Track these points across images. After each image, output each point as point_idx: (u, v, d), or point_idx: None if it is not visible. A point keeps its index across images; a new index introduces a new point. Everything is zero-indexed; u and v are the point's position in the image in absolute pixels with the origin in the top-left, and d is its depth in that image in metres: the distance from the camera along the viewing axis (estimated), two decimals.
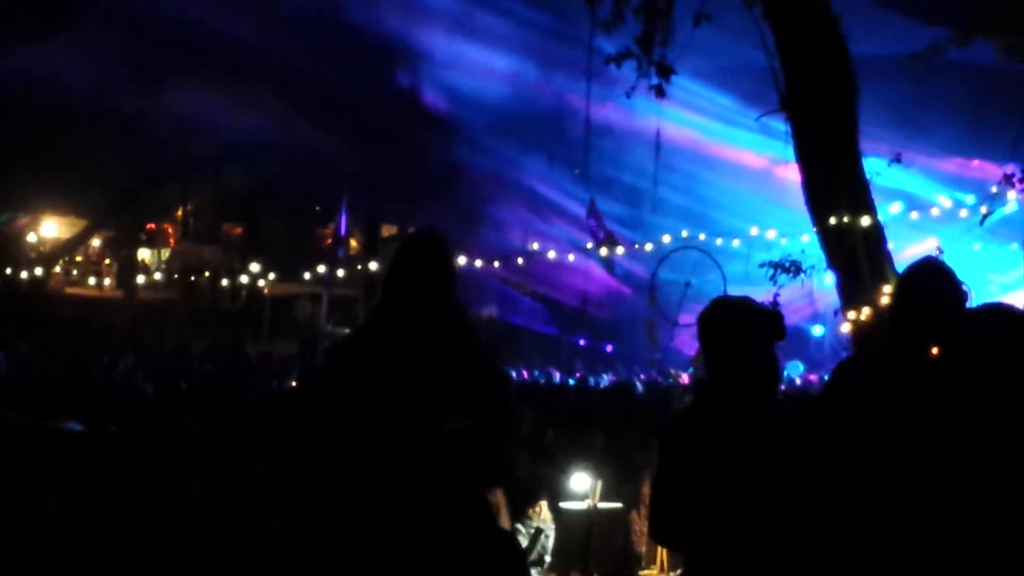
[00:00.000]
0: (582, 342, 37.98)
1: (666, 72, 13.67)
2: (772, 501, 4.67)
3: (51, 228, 43.56)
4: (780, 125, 12.81)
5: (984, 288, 21.76)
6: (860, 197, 12.28)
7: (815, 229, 12.54)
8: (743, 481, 4.71)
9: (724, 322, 5.05)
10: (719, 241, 21.91)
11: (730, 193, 34.24)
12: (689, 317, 16.93)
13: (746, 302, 5.22)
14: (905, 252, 15.37)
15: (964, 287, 5.02)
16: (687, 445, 4.87)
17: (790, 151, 12.60)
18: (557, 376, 28.84)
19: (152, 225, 46.33)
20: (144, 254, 45.76)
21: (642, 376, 25.22)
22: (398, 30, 37.02)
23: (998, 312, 4.74)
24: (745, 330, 4.98)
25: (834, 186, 12.15)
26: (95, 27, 32.69)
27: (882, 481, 4.50)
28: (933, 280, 4.98)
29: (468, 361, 5.10)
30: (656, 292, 17.15)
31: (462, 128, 38.08)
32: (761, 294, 12.45)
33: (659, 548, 11.64)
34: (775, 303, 12.21)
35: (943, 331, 4.66)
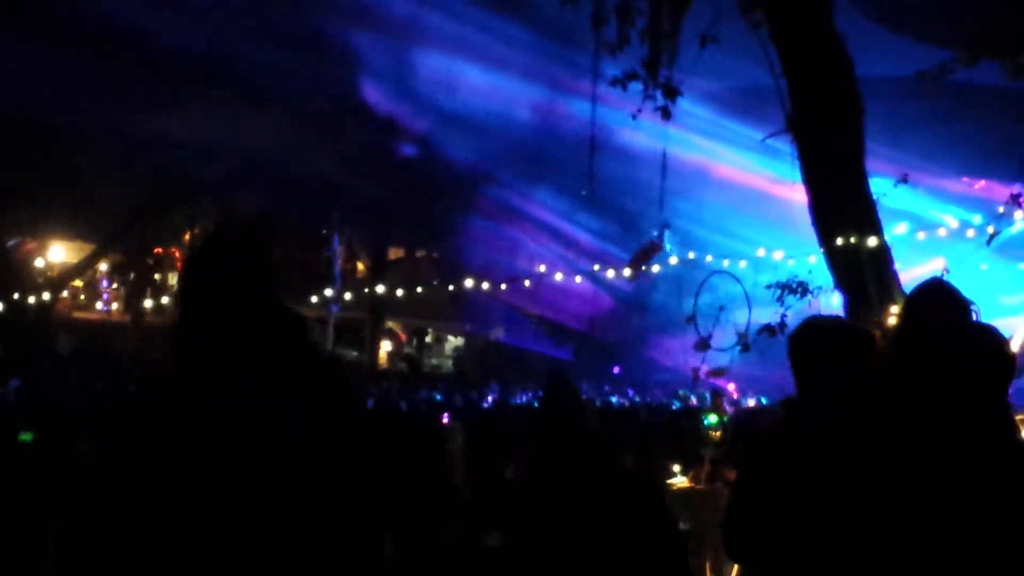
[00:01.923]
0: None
1: (672, 94, 13.70)
2: (852, 524, 4.62)
3: (58, 253, 43.62)
4: (786, 146, 12.82)
5: (992, 308, 21.71)
6: (867, 217, 12.27)
7: (822, 250, 12.53)
8: (825, 502, 4.68)
9: (815, 341, 5.04)
10: (726, 263, 21.83)
11: (736, 214, 34.24)
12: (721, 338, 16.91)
13: (839, 322, 5.21)
14: (912, 272, 15.34)
15: (973, 306, 5.02)
16: (773, 462, 4.87)
17: (796, 172, 12.60)
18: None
19: (160, 249, 46.35)
20: (153, 277, 45.80)
21: (648, 398, 25.23)
22: (402, 54, 37.13)
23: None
24: (836, 349, 4.96)
25: (841, 206, 12.15)
26: (102, 50, 32.74)
27: (895, 505, 4.48)
28: (940, 300, 4.98)
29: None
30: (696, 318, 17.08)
31: (468, 153, 38.13)
32: (768, 315, 12.46)
33: None
34: (783, 323, 12.22)
35: (952, 351, 4.65)
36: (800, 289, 13.01)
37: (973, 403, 4.50)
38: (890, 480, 4.49)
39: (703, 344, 15.71)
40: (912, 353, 4.77)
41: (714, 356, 15.80)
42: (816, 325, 5.25)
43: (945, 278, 6.87)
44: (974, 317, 5.07)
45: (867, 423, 4.67)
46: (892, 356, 5.03)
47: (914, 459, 4.49)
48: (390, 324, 46.16)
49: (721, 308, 16.51)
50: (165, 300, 36.43)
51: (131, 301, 41.26)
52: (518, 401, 27.34)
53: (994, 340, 4.64)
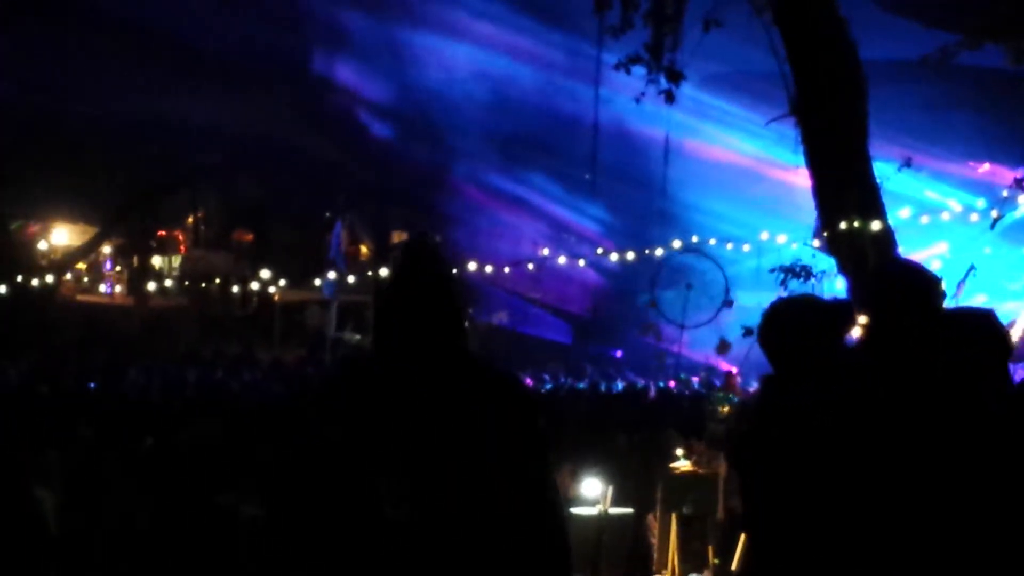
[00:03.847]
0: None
1: (676, 77, 13.69)
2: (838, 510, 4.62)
3: (62, 235, 43.61)
4: (790, 130, 12.82)
5: (996, 292, 21.72)
6: (870, 201, 12.27)
7: (825, 234, 12.53)
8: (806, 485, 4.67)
9: (790, 319, 5.05)
10: (729, 246, 21.83)
11: (737, 199, 34.20)
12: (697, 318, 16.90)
13: (812, 299, 5.20)
14: (916, 256, 15.35)
15: (937, 287, 4.98)
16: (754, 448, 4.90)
17: (800, 156, 12.59)
18: (564, 381, 28.80)
19: (163, 232, 46.35)
20: (156, 260, 45.76)
21: (650, 381, 25.20)
22: (405, 38, 37.15)
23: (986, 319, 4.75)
24: (813, 327, 4.95)
25: (844, 191, 12.15)
26: (105, 34, 32.75)
27: (888, 493, 4.49)
28: (899, 291, 4.95)
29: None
30: (657, 297, 17.12)
31: (471, 137, 38.15)
32: (771, 299, 12.47)
33: (671, 551, 11.65)
34: None
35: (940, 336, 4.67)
36: (804, 273, 13.01)
37: (961, 388, 4.52)
38: (876, 464, 4.50)
39: (727, 303, 15.77)
40: (895, 339, 4.78)
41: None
42: (791, 303, 5.26)
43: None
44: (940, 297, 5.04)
45: (852, 407, 4.66)
46: (873, 341, 5.01)
47: (902, 444, 4.50)
48: None
49: (689, 286, 16.52)
50: (168, 283, 36.47)
51: (134, 284, 41.24)
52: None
53: (982, 325, 4.66)
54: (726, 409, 14.86)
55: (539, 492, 4.42)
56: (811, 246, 13.51)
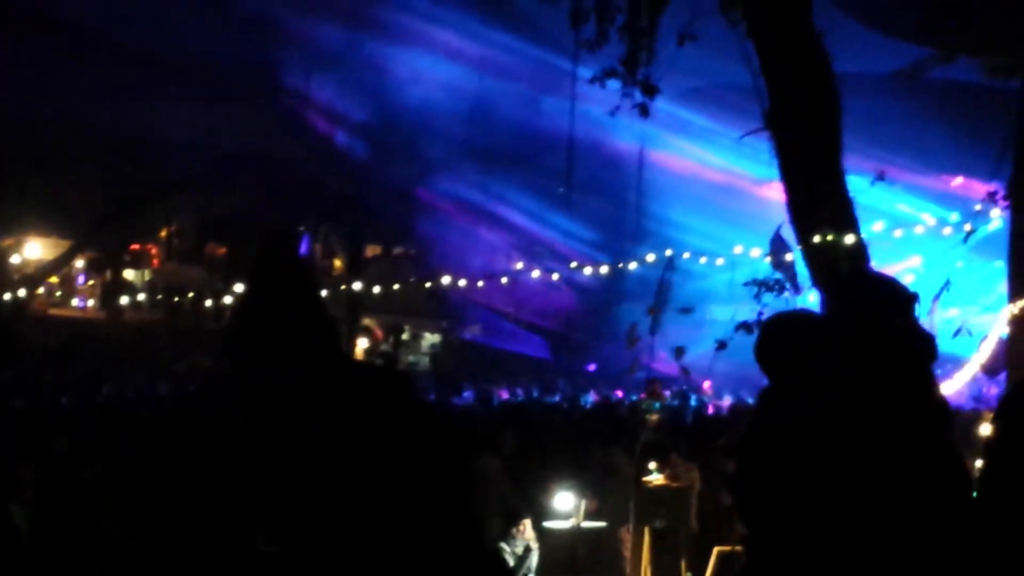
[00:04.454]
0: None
1: (651, 91, 13.68)
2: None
3: (35, 249, 43.45)
4: (763, 144, 12.82)
5: (969, 306, 21.81)
6: (844, 215, 12.26)
7: (799, 247, 12.53)
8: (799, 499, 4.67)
9: (790, 335, 5.02)
10: (703, 260, 21.86)
11: (711, 212, 34.28)
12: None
13: (809, 315, 5.19)
14: (889, 269, 15.36)
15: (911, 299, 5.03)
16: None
17: (774, 170, 12.59)
18: (536, 395, 28.81)
19: (136, 245, 46.21)
20: (129, 274, 45.63)
21: (621, 394, 25.25)
22: (379, 53, 37.18)
23: None
24: (810, 344, 4.91)
25: (818, 204, 12.14)
26: (80, 47, 32.69)
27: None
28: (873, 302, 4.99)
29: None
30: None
31: (445, 152, 38.21)
32: (745, 312, 12.47)
33: (644, 565, 11.63)
34: (760, 320, 12.20)
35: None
36: (777, 287, 13.00)
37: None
38: (855, 475, 4.51)
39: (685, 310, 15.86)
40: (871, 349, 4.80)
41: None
42: (790, 318, 5.25)
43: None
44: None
45: (833, 419, 4.66)
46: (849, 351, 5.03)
47: (879, 453, 4.52)
48: (367, 321, 46.10)
49: (660, 299, 16.58)
50: (141, 297, 36.34)
51: (107, 298, 41.12)
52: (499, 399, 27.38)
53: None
54: (655, 417, 14.93)
55: (445, 516, 3.93)
56: (767, 261, 13.56)
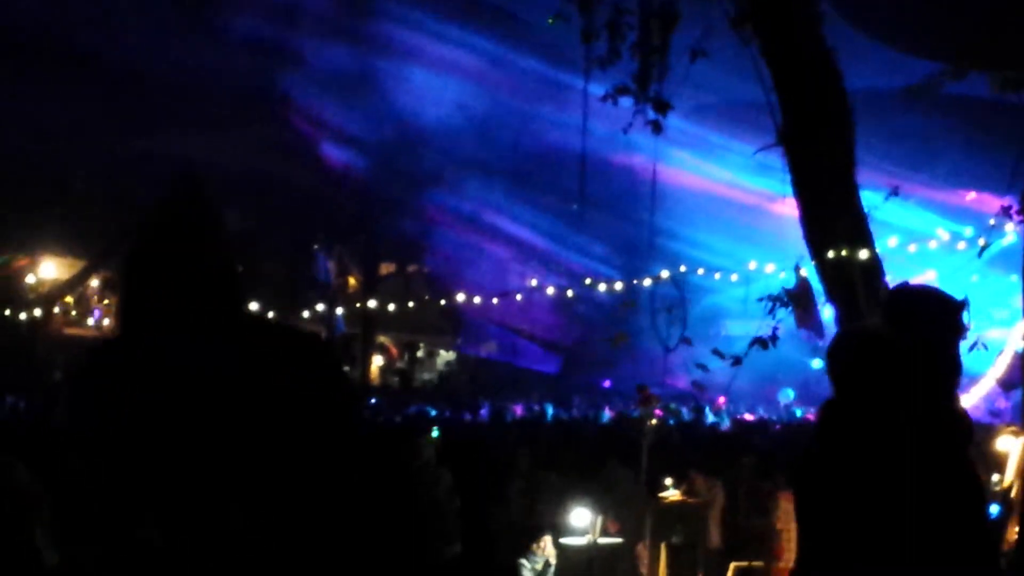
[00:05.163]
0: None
1: (663, 107, 13.70)
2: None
3: (50, 269, 43.57)
4: (777, 160, 12.82)
5: (984, 321, 21.79)
6: (858, 230, 12.26)
7: (813, 263, 12.53)
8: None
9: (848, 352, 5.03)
10: (717, 276, 21.91)
11: (724, 229, 34.30)
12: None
13: (882, 334, 5.18)
14: None
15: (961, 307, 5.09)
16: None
17: (787, 186, 12.60)
18: (551, 411, 28.84)
19: None
20: None
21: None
22: (391, 73, 37.25)
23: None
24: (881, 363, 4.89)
25: (832, 220, 12.14)
26: (92, 75, 32.86)
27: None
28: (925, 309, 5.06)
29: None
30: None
31: (458, 170, 38.27)
32: (759, 328, 12.49)
33: None
34: (774, 336, 12.22)
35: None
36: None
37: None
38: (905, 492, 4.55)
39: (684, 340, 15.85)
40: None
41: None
42: (867, 333, 5.25)
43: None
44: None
45: (888, 431, 4.69)
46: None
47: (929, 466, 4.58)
48: (382, 339, 46.16)
49: (670, 310, 16.62)
50: None
51: None
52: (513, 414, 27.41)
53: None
54: (653, 422, 14.93)
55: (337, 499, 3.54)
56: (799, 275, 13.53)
